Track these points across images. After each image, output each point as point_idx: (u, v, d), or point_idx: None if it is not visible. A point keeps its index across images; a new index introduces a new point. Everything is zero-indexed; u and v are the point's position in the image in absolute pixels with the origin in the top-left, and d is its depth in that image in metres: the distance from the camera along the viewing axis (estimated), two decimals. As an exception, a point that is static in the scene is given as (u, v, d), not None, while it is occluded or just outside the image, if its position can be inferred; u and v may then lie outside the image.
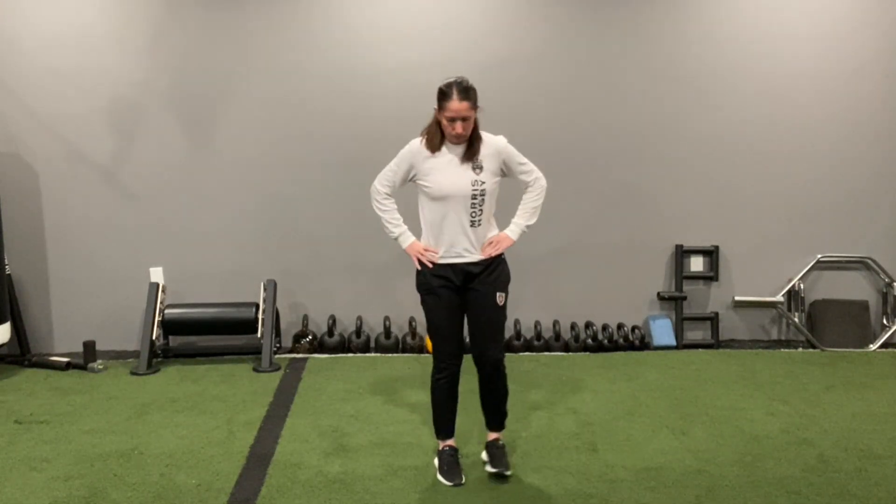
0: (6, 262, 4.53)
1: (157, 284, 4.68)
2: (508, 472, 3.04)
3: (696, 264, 5.14)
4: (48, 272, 4.90)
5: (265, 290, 4.72)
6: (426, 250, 2.97)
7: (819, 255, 5.13)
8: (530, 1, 4.88)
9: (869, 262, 5.16)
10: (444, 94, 2.84)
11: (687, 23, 4.93)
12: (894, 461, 3.19)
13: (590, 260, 5.09)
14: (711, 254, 5.11)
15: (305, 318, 4.97)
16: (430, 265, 2.96)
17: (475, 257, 2.97)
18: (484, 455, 3.16)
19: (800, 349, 5.01)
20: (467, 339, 3.12)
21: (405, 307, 4.96)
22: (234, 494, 2.91)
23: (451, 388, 3.05)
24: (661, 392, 4.07)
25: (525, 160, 3.04)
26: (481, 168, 2.92)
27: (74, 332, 4.86)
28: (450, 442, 3.13)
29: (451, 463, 3.04)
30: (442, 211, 2.92)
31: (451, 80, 2.86)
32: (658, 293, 5.14)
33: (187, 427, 3.58)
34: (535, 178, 3.06)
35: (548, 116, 4.95)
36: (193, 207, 4.92)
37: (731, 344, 5.12)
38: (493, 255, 2.99)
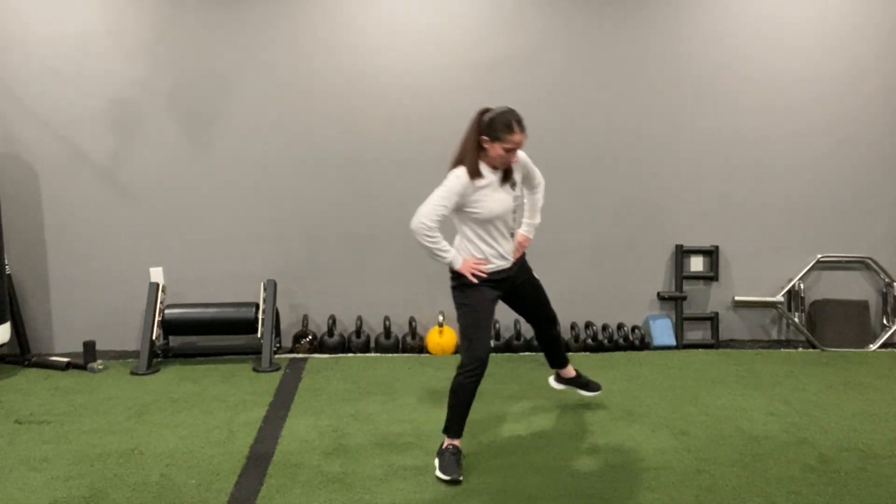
0: (6, 262, 4.53)
1: (157, 284, 4.68)
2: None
3: (696, 264, 5.14)
4: (48, 272, 4.90)
5: (265, 290, 4.72)
6: (476, 264, 3.10)
7: (819, 255, 5.13)
8: (531, 2, 4.88)
9: (869, 262, 5.16)
10: (507, 128, 2.97)
11: (688, 23, 4.93)
12: (894, 461, 3.19)
13: (590, 260, 5.09)
14: (711, 254, 5.11)
15: (305, 318, 4.97)
16: (485, 275, 3.11)
17: (511, 261, 3.22)
18: (557, 386, 3.83)
19: (800, 349, 5.00)
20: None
21: (405, 307, 4.96)
22: (234, 494, 2.91)
23: (476, 388, 3.13)
24: (661, 392, 4.07)
25: (533, 165, 3.27)
26: (515, 183, 3.16)
27: (74, 332, 4.86)
28: (455, 441, 3.16)
29: (452, 461, 3.06)
30: (489, 229, 3.10)
31: (506, 111, 3.00)
32: (658, 293, 5.14)
33: (187, 427, 3.58)
34: (540, 179, 3.35)
35: (548, 117, 4.94)
36: (193, 207, 4.92)
37: (731, 344, 5.12)
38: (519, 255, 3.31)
